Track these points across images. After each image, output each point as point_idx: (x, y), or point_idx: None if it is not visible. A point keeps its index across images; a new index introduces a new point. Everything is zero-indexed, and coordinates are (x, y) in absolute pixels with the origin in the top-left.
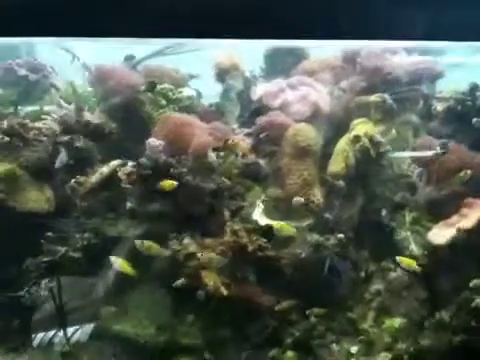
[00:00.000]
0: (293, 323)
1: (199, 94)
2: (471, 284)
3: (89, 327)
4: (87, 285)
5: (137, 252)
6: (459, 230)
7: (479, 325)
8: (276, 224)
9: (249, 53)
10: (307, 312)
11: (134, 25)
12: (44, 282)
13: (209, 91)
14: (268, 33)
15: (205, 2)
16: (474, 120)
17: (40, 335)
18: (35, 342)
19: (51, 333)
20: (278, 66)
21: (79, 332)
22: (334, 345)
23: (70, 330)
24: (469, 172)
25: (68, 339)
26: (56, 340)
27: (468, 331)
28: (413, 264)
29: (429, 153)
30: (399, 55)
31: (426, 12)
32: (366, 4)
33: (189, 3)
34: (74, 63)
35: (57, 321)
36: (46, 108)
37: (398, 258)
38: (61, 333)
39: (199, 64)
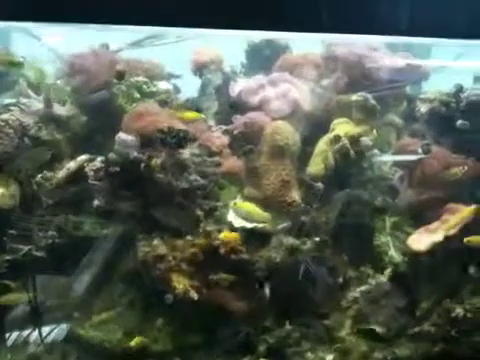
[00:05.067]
0: (267, 330)
1: (177, 88)
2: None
3: (61, 329)
4: (54, 286)
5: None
6: (447, 238)
7: (459, 335)
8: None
9: (230, 47)
10: None
11: (114, 11)
12: None
13: (189, 86)
14: (251, 24)
15: None
16: (459, 122)
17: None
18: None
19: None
20: (259, 61)
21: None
22: (309, 353)
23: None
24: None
25: (42, 340)
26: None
27: (447, 341)
28: None
29: (411, 157)
30: (382, 53)
31: (410, 7)
32: None
33: None
34: (48, 52)
35: (31, 321)
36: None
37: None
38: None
39: (179, 56)
